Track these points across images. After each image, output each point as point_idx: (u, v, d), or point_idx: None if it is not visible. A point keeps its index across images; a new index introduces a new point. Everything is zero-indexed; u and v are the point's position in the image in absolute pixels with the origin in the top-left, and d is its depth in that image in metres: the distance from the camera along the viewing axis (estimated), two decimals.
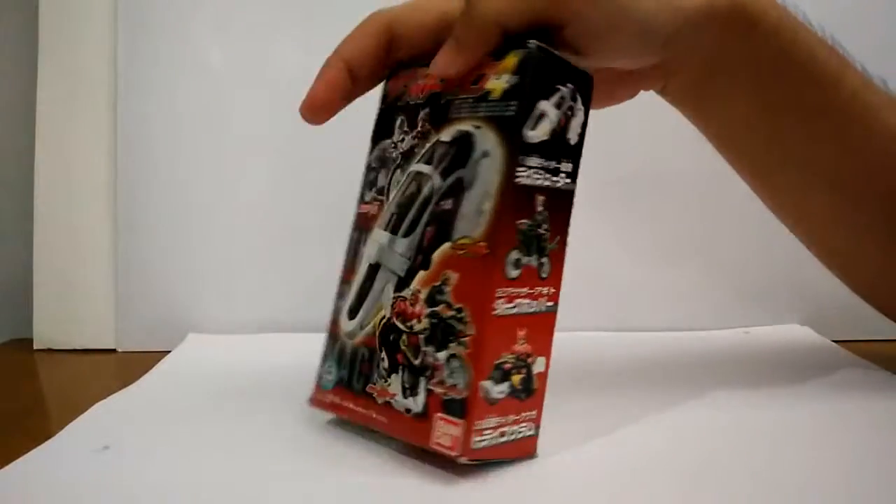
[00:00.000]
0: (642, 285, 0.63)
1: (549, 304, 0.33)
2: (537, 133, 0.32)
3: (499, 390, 0.31)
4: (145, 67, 0.63)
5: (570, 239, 0.33)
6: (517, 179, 0.31)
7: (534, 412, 0.33)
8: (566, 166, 0.33)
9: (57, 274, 0.63)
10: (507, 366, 0.32)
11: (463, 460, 0.31)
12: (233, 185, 0.64)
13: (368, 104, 0.39)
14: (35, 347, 0.62)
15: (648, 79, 0.42)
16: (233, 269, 0.64)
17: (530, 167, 0.32)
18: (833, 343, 0.56)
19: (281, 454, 0.36)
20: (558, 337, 0.33)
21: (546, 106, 0.32)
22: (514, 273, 0.32)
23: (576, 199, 0.33)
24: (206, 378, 0.50)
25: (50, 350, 0.62)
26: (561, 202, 0.33)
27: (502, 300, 0.31)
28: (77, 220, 0.63)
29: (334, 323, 0.38)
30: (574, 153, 0.33)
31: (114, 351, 0.62)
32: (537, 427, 0.33)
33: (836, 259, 0.48)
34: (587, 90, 0.34)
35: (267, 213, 0.64)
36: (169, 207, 0.63)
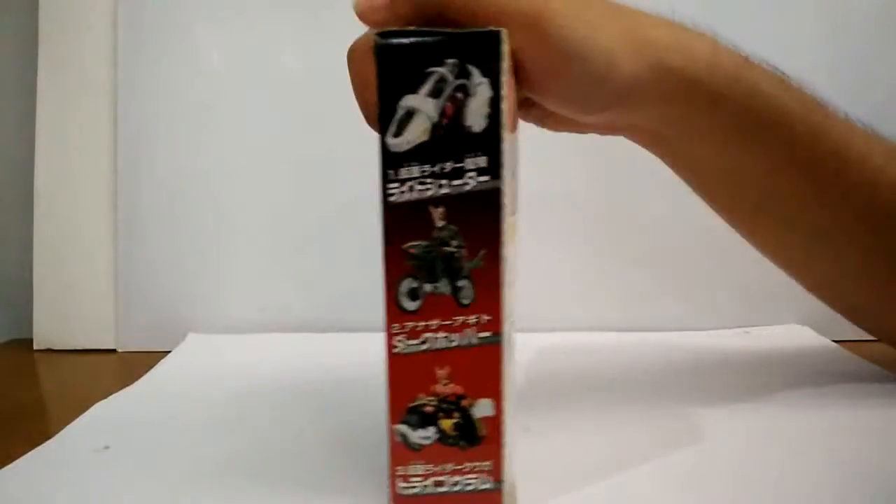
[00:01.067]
0: (642, 285, 0.63)
1: (484, 334, 0.28)
2: (407, 137, 0.27)
3: (421, 435, 0.28)
4: (145, 67, 0.63)
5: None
6: (391, 198, 0.27)
7: (487, 463, 0.28)
8: (475, 161, 0.27)
9: (57, 274, 0.63)
10: (429, 409, 0.28)
11: None
12: (233, 185, 0.63)
13: None
14: (35, 347, 0.62)
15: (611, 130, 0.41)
16: (233, 270, 0.63)
17: (409, 179, 0.27)
18: (833, 343, 0.56)
19: (278, 459, 0.36)
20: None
21: (414, 100, 0.26)
22: (410, 305, 0.28)
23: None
24: (206, 378, 0.50)
25: (50, 350, 0.62)
26: (476, 208, 0.27)
27: (402, 336, 0.28)
28: (77, 220, 0.63)
29: None
30: (485, 142, 0.27)
31: (114, 351, 0.62)
32: (497, 482, 0.29)
33: (824, 288, 0.47)
34: (491, 55, 0.27)
35: (267, 212, 0.64)
36: (169, 207, 0.63)
